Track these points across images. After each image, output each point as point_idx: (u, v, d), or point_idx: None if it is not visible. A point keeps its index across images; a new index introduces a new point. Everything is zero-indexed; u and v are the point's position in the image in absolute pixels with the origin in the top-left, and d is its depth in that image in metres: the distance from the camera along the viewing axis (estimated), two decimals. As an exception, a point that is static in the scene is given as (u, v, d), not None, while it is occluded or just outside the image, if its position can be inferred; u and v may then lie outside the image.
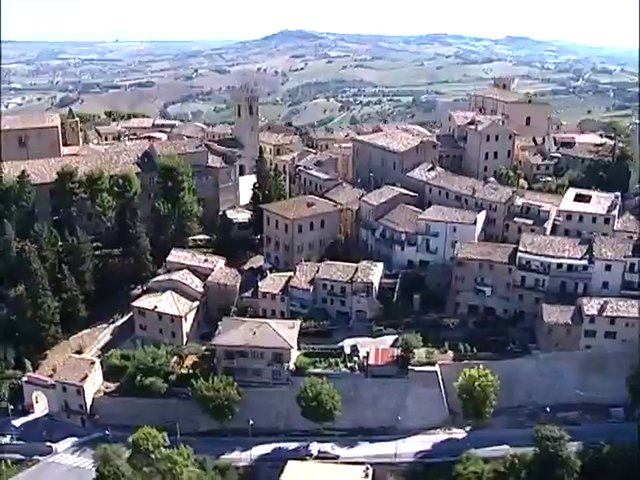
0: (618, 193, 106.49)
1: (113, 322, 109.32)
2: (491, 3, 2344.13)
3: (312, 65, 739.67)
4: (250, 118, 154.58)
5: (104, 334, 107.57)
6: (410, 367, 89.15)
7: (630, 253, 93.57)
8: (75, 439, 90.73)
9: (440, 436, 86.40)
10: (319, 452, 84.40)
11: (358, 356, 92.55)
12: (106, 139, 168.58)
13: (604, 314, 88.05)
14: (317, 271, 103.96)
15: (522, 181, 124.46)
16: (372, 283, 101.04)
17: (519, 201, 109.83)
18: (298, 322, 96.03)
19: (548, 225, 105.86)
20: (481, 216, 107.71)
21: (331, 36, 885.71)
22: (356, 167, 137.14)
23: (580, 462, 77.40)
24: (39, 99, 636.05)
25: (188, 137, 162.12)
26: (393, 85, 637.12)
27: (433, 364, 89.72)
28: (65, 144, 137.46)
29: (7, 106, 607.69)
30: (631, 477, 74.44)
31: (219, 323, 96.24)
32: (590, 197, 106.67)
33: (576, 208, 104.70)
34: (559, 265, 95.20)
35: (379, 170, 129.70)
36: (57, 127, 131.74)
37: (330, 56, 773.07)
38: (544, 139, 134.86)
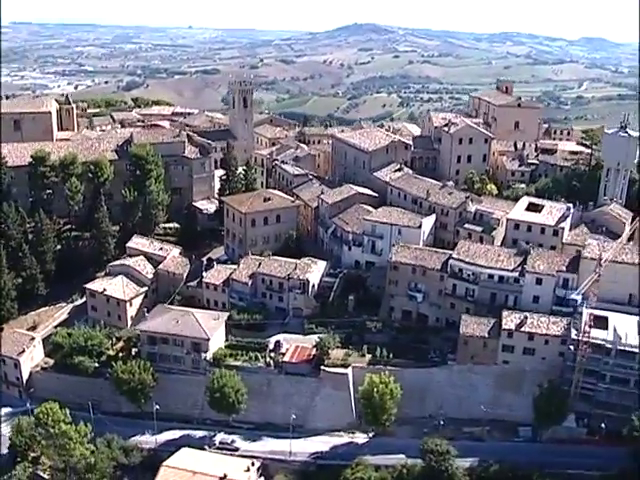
0: (570, 205, 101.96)
1: (72, 302, 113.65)
2: (568, 2, 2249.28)
3: (379, 59, 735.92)
4: (244, 111, 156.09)
5: (61, 313, 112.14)
6: (322, 368, 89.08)
7: (564, 268, 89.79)
8: (10, 409, 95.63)
9: (342, 439, 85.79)
10: (220, 443, 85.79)
11: (278, 352, 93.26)
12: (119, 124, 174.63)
13: (522, 329, 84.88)
14: (259, 265, 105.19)
15: (492, 187, 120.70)
16: (308, 281, 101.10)
17: (472, 207, 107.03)
18: (225, 314, 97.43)
19: (498, 233, 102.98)
20: (428, 220, 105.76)
21: (401, 30, 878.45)
22: (334, 164, 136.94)
23: (468, 479, 75.70)
24: (106, 82, 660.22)
25: (188, 126, 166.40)
26: (457, 83, 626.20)
27: (346, 367, 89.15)
28: (61, 129, 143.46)
29: (76, 87, 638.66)
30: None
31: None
32: (542, 207, 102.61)
33: (524, 218, 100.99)
34: (490, 276, 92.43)
35: (352, 168, 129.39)
36: (50, 112, 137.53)
37: (398, 51, 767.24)
38: (524, 145, 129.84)
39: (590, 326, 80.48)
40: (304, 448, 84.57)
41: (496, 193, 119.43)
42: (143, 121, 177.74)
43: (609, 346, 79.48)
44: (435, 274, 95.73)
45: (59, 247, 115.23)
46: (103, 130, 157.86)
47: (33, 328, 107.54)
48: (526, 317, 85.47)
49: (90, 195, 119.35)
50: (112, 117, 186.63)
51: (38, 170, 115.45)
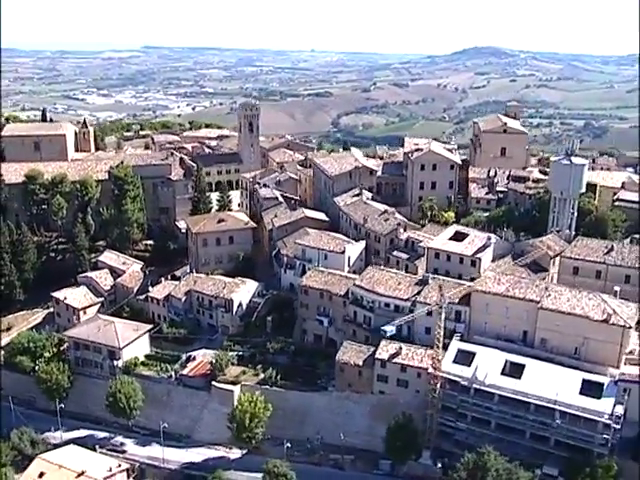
0: (492, 235, 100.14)
1: (47, 308, 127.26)
2: None
3: (494, 83, 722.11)
4: (249, 135, 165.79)
5: (35, 317, 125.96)
6: (213, 383, 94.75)
7: (456, 300, 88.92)
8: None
9: (218, 452, 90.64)
10: (110, 444, 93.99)
11: (184, 365, 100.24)
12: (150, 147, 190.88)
13: (395, 360, 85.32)
14: (194, 283, 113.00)
15: (449, 214, 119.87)
16: (232, 300, 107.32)
17: (404, 235, 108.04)
18: (146, 326, 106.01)
19: (423, 262, 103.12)
20: (355, 247, 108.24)
21: (523, 54, 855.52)
22: (314, 188, 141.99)
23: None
24: (221, 103, 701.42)
25: (210, 148, 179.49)
26: (574, 108, 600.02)
27: (236, 384, 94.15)
28: (79, 150, 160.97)
29: (194, 108, 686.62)
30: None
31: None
32: (466, 236, 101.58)
33: (443, 247, 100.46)
34: (387, 304, 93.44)
35: (323, 192, 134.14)
36: (65, 135, 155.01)
37: (516, 74, 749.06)
38: (496, 172, 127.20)
39: (459, 362, 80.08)
40: (181, 457, 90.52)
41: (453, 221, 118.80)
42: (172, 143, 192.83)
43: (464, 383, 78.21)
44: (339, 300, 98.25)
45: (45, 257, 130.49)
46: (118, 152, 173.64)
47: (8, 329, 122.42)
48: (401, 348, 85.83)
49: (78, 211, 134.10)
50: (152, 139, 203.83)
51: (29, 187, 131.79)
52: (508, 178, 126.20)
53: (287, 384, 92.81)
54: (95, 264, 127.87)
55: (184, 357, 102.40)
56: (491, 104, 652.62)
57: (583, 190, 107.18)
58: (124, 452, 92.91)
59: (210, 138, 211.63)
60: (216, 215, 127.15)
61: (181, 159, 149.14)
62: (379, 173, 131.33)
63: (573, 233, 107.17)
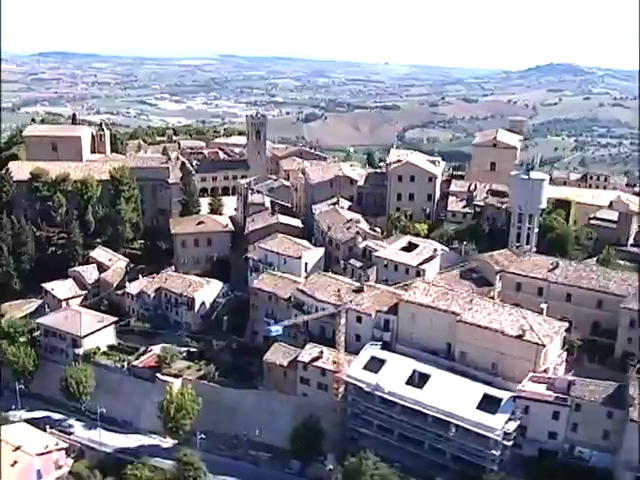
0: (439, 247, 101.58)
1: (42, 298, 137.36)
2: None
3: (567, 101, 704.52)
4: (257, 142, 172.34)
5: (30, 306, 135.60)
6: (157, 375, 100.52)
7: (385, 309, 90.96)
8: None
9: (153, 441, 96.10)
10: (60, 425, 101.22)
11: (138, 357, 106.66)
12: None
13: (315, 364, 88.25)
14: (165, 281, 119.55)
15: (422, 226, 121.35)
16: (194, 299, 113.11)
17: (362, 243, 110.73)
18: (112, 318, 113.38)
19: (373, 271, 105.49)
20: (313, 253, 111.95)
21: (600, 72, 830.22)
22: (305, 195, 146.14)
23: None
24: (287, 113, 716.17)
25: (226, 154, 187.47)
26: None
27: (178, 377, 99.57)
28: (95, 151, 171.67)
29: (257, 113, 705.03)
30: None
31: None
32: (416, 247, 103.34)
33: (390, 256, 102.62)
34: (323, 309, 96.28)
35: (308, 200, 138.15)
36: (80, 137, 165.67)
37: (591, 92, 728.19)
38: (476, 186, 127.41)
39: (369, 368, 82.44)
40: (118, 442, 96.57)
41: (425, 233, 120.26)
42: (193, 148, 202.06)
43: (367, 390, 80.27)
44: (284, 303, 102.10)
45: (44, 251, 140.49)
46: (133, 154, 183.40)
47: (2, 316, 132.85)
48: (322, 352, 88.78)
49: (78, 209, 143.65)
50: (179, 144, 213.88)
51: (33, 185, 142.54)
52: (487, 192, 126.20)
53: (224, 381, 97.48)
54: (87, 259, 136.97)
55: (142, 349, 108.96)
56: (561, 122, 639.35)
57: (543, 206, 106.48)
58: (71, 434, 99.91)
59: (237, 145, 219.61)
60: (197, 217, 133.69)
61: (182, 163, 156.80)
62: (361, 183, 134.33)
63: (534, 249, 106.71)
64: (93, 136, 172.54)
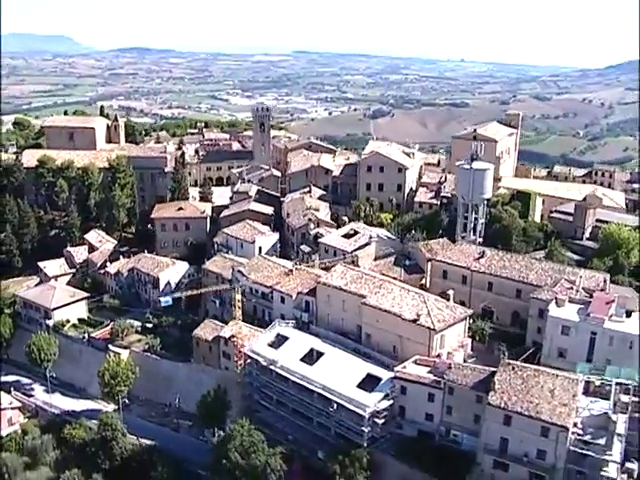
0: (376, 233, 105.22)
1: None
2: None
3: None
4: (261, 134, 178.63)
5: (29, 283, 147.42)
6: (109, 346, 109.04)
7: (306, 291, 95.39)
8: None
9: (97, 405, 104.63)
10: (23, 388, 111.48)
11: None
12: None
13: (233, 339, 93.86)
14: (138, 261, 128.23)
15: (385, 216, 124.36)
16: (159, 278, 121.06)
17: (314, 230, 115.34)
18: (83, 294, 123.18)
19: (316, 256, 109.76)
20: (268, 238, 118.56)
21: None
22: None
23: (126, 453, 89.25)
24: (355, 109, 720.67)
25: (240, 143, 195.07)
26: None
27: (127, 348, 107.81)
28: (110, 141, 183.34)
29: (330, 113, 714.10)
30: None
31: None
32: (357, 234, 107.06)
33: (330, 242, 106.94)
34: (256, 290, 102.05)
35: (292, 189, 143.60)
36: (94, 128, 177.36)
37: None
38: (446, 178, 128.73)
39: (272, 345, 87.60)
40: (67, 405, 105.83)
41: (388, 222, 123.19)
42: (212, 140, 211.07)
43: (264, 364, 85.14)
44: (227, 284, 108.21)
45: (46, 232, 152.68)
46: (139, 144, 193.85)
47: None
48: (241, 328, 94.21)
49: (79, 194, 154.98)
50: (203, 135, 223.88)
51: (39, 171, 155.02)
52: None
53: (165, 354, 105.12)
54: (82, 241, 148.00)
55: (105, 323, 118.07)
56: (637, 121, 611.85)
57: (487, 196, 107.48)
58: (31, 396, 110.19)
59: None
60: (178, 204, 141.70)
61: (182, 154, 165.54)
62: (336, 173, 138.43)
63: (480, 240, 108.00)
64: (108, 127, 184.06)
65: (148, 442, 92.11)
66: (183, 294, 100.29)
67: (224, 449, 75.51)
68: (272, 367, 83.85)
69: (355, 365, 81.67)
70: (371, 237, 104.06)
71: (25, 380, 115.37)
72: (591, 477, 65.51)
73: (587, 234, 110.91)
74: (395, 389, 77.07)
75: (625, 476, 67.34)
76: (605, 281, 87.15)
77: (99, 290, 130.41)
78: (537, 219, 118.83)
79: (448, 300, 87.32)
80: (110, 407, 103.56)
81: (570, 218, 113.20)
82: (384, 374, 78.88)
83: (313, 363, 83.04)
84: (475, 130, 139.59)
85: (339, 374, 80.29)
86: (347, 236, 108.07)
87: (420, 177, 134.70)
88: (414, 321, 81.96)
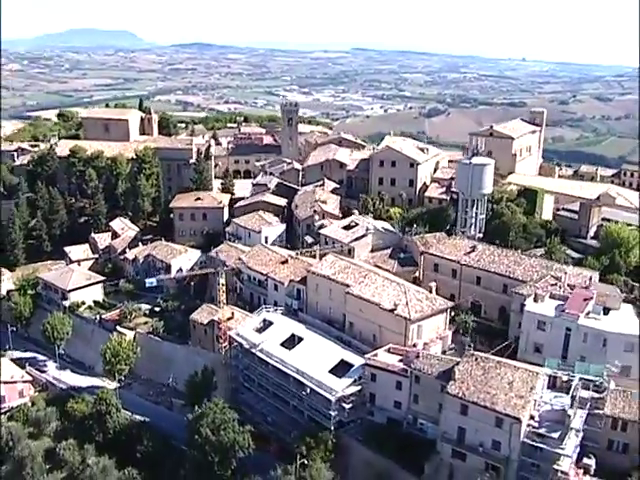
0: (380, 228, 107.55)
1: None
2: None
3: None
4: (288, 129, 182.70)
5: (57, 267, 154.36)
6: (117, 327, 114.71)
7: (298, 279, 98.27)
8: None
9: (102, 383, 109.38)
10: (38, 364, 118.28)
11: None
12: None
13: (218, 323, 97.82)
14: (154, 248, 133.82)
15: (394, 210, 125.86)
16: (171, 265, 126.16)
17: (318, 222, 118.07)
18: (98, 277, 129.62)
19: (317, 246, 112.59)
20: (275, 228, 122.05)
21: None
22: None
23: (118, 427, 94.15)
24: (410, 108, 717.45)
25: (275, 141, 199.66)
26: None
27: (132, 330, 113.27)
28: (144, 133, 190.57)
29: (386, 111, 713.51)
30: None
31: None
32: (356, 226, 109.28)
33: (329, 233, 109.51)
34: (253, 278, 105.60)
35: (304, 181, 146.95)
36: (127, 120, 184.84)
37: None
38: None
39: (258, 329, 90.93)
40: (74, 382, 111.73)
41: (397, 216, 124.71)
42: (245, 134, 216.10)
43: (247, 347, 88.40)
44: (230, 271, 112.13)
45: (75, 219, 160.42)
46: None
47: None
48: (233, 313, 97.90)
49: (107, 183, 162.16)
50: (239, 129, 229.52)
51: (70, 160, 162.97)
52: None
53: (167, 336, 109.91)
54: (108, 228, 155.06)
55: (118, 306, 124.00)
56: None
57: (487, 192, 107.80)
58: (44, 372, 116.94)
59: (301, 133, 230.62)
60: (196, 194, 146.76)
61: (208, 147, 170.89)
62: (351, 167, 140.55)
63: (480, 235, 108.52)
64: (142, 119, 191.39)
65: (141, 418, 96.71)
66: (166, 277, 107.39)
67: (197, 425, 79.19)
68: (253, 350, 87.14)
69: (331, 351, 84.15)
70: (368, 229, 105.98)
71: (41, 357, 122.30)
72: (545, 470, 66.16)
73: (592, 233, 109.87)
74: (365, 376, 79.15)
75: (581, 471, 67.78)
76: (591, 279, 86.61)
77: (118, 275, 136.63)
78: (547, 217, 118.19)
79: (430, 292, 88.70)
80: (113, 384, 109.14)
81: (576, 216, 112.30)
82: (357, 361, 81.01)
83: (292, 348, 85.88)
84: (492, 127, 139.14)
85: (314, 359, 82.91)
86: (347, 228, 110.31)
87: (435, 172, 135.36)
88: (391, 310, 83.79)
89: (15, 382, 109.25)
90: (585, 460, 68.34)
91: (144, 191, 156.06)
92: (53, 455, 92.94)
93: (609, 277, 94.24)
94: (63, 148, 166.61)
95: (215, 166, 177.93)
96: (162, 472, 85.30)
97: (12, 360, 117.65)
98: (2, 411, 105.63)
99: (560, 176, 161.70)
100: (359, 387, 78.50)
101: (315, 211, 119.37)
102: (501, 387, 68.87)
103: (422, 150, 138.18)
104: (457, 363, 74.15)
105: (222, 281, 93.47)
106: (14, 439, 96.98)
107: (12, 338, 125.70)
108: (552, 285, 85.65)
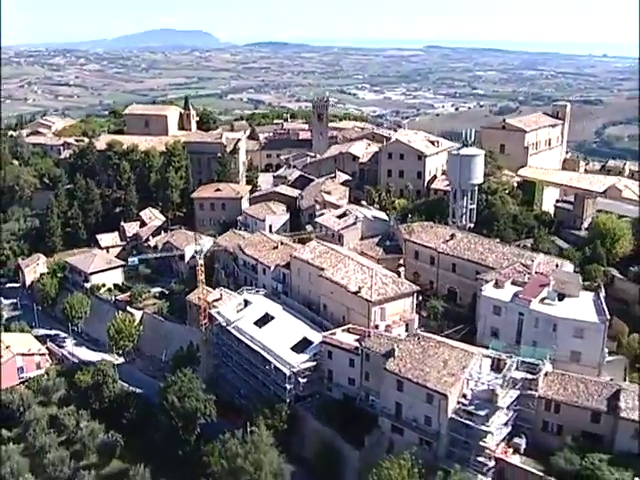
0: (360, 215, 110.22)
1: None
2: None
3: None
4: (319, 124, 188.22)
5: (92, 253, 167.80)
6: (127, 307, 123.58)
7: (283, 263, 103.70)
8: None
9: (110, 358, 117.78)
10: (57, 340, 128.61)
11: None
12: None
13: (214, 304, 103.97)
14: (172, 236, 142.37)
15: (400, 202, 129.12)
16: (185, 252, 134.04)
17: (320, 211, 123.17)
18: (118, 262, 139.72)
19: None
20: (279, 217, 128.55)
21: None
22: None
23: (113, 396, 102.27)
24: (481, 106, 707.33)
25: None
26: None
27: (140, 310, 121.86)
28: (182, 128, 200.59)
29: (457, 109, 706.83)
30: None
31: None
32: (345, 214, 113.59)
33: (322, 222, 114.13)
34: (247, 262, 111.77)
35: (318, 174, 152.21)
36: (166, 116, 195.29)
37: None
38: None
39: (238, 309, 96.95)
40: (87, 356, 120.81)
41: (402, 207, 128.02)
42: (285, 129, 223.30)
43: (223, 324, 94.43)
44: (229, 256, 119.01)
45: (110, 208, 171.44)
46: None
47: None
48: (221, 295, 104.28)
49: (140, 175, 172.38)
50: (282, 125, 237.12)
51: (107, 154, 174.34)
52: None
53: (169, 316, 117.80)
54: (138, 217, 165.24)
55: (133, 288, 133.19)
56: None
57: (477, 182, 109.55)
58: (63, 347, 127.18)
59: (341, 129, 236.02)
60: (217, 185, 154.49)
61: (238, 140, 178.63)
62: (364, 160, 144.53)
63: (470, 225, 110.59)
64: (181, 115, 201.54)
65: (134, 389, 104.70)
66: (149, 256, 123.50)
67: (166, 393, 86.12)
68: (229, 328, 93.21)
69: (297, 330, 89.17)
70: (357, 218, 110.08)
71: (62, 334, 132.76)
72: (473, 446, 68.85)
73: (586, 224, 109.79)
74: (322, 353, 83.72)
75: (511, 450, 70.02)
76: (557, 266, 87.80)
77: (142, 261, 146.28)
78: (547, 209, 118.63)
79: (399, 277, 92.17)
80: (120, 360, 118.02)
81: (571, 208, 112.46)
82: (316, 338, 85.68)
83: (262, 326, 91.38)
84: (504, 120, 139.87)
85: (281, 337, 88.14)
86: (340, 217, 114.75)
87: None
88: (355, 293, 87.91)
89: (33, 355, 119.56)
90: (516, 439, 70.45)
91: (173, 183, 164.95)
92: (56, 420, 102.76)
93: (588, 267, 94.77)
94: (102, 142, 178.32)
95: (249, 160, 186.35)
96: (142, 436, 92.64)
97: (36, 336, 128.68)
98: (21, 381, 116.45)
99: (587, 170, 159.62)
100: (314, 363, 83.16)
101: (316, 201, 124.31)
102: (435, 365, 71.95)
103: (433, 143, 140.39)
104: (399, 342, 77.64)
105: (201, 262, 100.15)
106: (24, 405, 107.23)
107: (39, 317, 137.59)
108: (519, 272, 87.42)
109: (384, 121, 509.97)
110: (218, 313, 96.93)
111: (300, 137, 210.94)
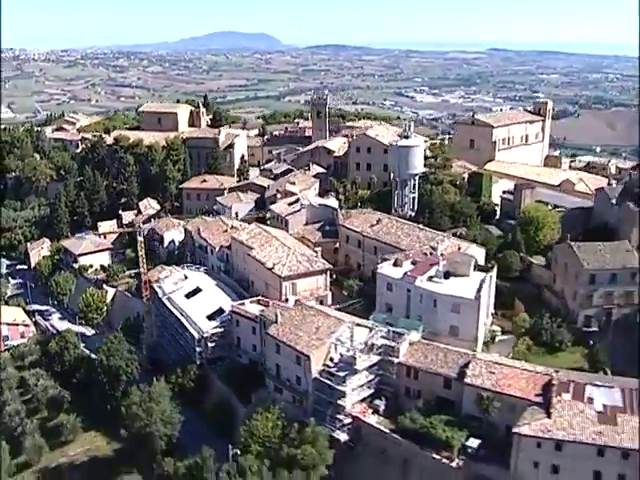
0: (306, 202, 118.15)
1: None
2: None
3: None
4: (318, 121, 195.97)
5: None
6: (104, 285, 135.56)
7: (227, 244, 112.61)
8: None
9: (85, 330, 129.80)
10: (44, 314, 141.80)
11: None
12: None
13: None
14: (157, 223, 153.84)
15: (362, 192, 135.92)
16: (163, 237, 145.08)
17: (279, 199, 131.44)
18: (108, 245, 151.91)
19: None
20: (244, 204, 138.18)
21: None
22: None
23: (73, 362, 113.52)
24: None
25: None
26: None
27: (114, 287, 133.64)
28: (193, 125, 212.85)
29: (511, 108, 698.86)
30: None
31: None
32: (294, 202, 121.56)
33: (275, 208, 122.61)
34: (201, 244, 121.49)
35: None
36: (176, 113, 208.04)
37: None
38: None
39: (176, 283, 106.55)
40: (65, 328, 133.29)
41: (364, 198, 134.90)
42: (295, 126, 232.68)
43: (160, 297, 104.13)
44: (191, 239, 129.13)
45: (114, 198, 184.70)
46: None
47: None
48: (171, 271, 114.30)
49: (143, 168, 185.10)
50: (298, 123, 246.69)
51: (112, 147, 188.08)
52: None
53: (137, 293, 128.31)
54: (138, 207, 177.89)
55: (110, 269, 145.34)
56: None
57: (417, 172, 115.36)
58: (48, 320, 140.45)
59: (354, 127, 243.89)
60: (204, 177, 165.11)
61: (235, 136, 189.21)
62: (338, 153, 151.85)
63: (412, 213, 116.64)
64: (192, 112, 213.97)
65: (91, 355, 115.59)
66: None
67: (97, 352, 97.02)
68: (163, 299, 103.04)
69: (216, 300, 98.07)
70: (302, 205, 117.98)
71: (52, 309, 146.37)
72: (334, 405, 75.85)
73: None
74: (231, 321, 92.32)
75: (370, 411, 76.55)
76: (459, 248, 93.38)
77: (134, 246, 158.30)
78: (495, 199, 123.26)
79: (317, 256, 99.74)
80: (92, 332, 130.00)
81: (512, 198, 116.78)
82: (226, 308, 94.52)
83: (189, 297, 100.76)
84: (473, 115, 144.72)
85: (202, 307, 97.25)
86: (292, 204, 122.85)
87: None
88: (270, 269, 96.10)
89: (17, 325, 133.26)
90: (376, 401, 76.92)
91: (171, 175, 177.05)
92: (26, 381, 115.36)
93: (506, 252, 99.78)
94: (111, 137, 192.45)
95: (251, 155, 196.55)
96: (86, 394, 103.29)
97: (28, 311, 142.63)
98: (6, 348, 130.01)
99: (571, 167, 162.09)
100: (222, 329, 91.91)
101: (278, 190, 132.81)
102: (308, 331, 79.45)
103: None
104: (286, 310, 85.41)
105: (140, 239, 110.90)
106: (1, 366, 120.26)
107: (36, 294, 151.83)
108: (424, 254, 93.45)
109: (439, 124, 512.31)
110: (159, 287, 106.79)
111: (306, 134, 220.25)
